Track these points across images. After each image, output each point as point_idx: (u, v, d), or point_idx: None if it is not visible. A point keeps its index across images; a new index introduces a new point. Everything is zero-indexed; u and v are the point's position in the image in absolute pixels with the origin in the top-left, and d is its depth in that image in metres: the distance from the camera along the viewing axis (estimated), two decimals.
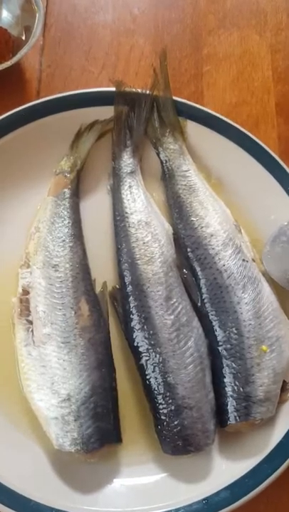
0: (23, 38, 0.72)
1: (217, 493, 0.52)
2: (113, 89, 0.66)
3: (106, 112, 0.66)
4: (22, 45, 0.70)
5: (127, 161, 0.66)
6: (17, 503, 0.51)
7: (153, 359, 0.55)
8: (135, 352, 0.57)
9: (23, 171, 0.65)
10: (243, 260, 0.60)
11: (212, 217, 0.63)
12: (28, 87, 0.74)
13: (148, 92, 0.67)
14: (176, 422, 0.53)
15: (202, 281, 0.60)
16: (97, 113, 0.66)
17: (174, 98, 0.67)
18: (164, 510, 0.52)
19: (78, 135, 0.66)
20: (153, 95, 0.67)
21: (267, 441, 0.55)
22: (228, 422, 0.54)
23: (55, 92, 0.67)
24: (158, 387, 0.54)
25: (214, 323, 0.58)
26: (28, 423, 0.56)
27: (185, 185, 0.65)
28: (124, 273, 0.60)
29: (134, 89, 0.66)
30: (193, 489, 0.53)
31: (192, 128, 0.67)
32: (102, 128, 0.66)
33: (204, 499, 0.52)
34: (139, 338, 0.56)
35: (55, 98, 0.65)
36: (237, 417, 0.54)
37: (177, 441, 0.53)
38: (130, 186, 0.65)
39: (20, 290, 0.59)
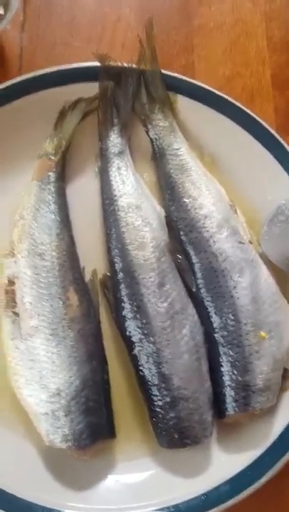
0: (1, 12, 0.68)
1: (216, 488, 0.51)
2: (97, 63, 0.62)
3: (91, 89, 0.62)
4: (0, 21, 0.66)
5: (115, 140, 0.62)
6: (6, 502, 0.50)
7: (146, 349, 0.53)
8: (128, 342, 0.54)
9: (4, 154, 0.61)
10: (240, 242, 0.57)
11: (206, 197, 0.59)
12: (9, 65, 0.70)
13: (134, 65, 0.63)
14: (171, 414, 0.51)
15: (196, 266, 0.57)
16: (82, 90, 0.62)
17: (163, 71, 0.63)
18: (162, 506, 0.50)
19: (62, 114, 0.62)
20: (140, 69, 0.63)
21: (267, 432, 0.53)
22: (227, 413, 0.52)
23: (39, 69, 0.63)
24: (152, 378, 0.52)
25: (210, 309, 0.55)
26: (18, 418, 0.53)
27: (177, 164, 0.61)
28: (115, 259, 0.57)
29: (119, 64, 0.62)
30: (191, 484, 0.51)
31: (183, 103, 0.63)
32: (86, 106, 0.62)
33: (203, 494, 0.50)
34: (132, 327, 0.54)
35: (35, 75, 0.61)
36: (236, 408, 0.52)
37: (173, 434, 0.51)
38: (119, 168, 0.61)
39: (5, 280, 0.56)
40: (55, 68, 0.62)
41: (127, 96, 0.62)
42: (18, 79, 0.62)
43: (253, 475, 0.51)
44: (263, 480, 0.50)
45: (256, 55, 0.73)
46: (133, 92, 0.63)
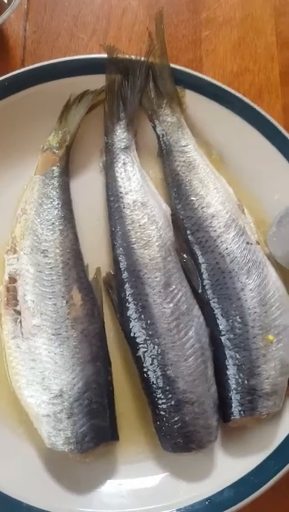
0: (5, 1, 0.66)
1: (220, 493, 0.50)
2: (104, 55, 0.60)
3: (97, 81, 0.60)
4: (4, 10, 0.64)
5: (121, 135, 0.60)
6: (7, 507, 0.48)
7: (151, 351, 0.51)
8: (132, 343, 0.53)
9: (7, 147, 0.60)
10: (247, 243, 0.56)
11: (213, 196, 0.58)
12: (12, 55, 0.68)
13: (143, 58, 0.61)
14: (176, 418, 0.50)
15: (203, 266, 0.56)
16: (88, 82, 0.60)
17: (172, 65, 0.61)
18: (165, 511, 0.49)
19: (67, 107, 0.60)
20: (148, 62, 0.61)
21: (273, 437, 0.52)
22: (232, 417, 0.51)
23: (42, 60, 0.61)
24: (157, 380, 0.51)
25: (216, 311, 0.54)
26: (18, 419, 0.52)
27: (184, 161, 0.60)
28: (120, 258, 0.56)
29: (127, 56, 0.60)
30: (195, 488, 0.50)
31: (191, 98, 0.61)
32: (93, 99, 0.61)
33: (207, 499, 0.49)
34: (136, 328, 0.52)
35: (41, 66, 0.60)
36: (241, 412, 0.51)
37: (178, 438, 0.50)
38: (124, 163, 0.60)
39: (6, 278, 0.55)
40: (61, 59, 0.60)
41: (135, 89, 0.61)
42: (22, 69, 0.60)
43: (257, 480, 0.50)
44: (268, 485, 0.49)
45: (265, 51, 0.72)
46: (141, 86, 0.61)
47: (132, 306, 0.53)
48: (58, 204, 0.57)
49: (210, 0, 0.73)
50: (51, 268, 0.54)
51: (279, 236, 0.57)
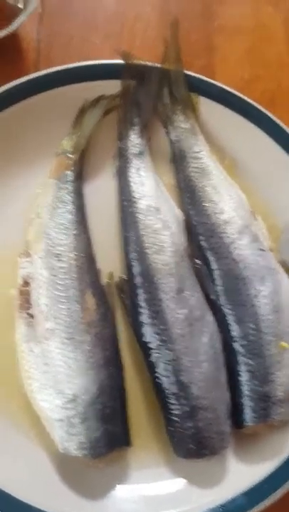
0: (20, 5, 0.66)
1: (233, 499, 0.50)
2: (120, 61, 0.61)
3: (112, 87, 0.60)
4: (19, 14, 0.64)
5: (135, 141, 0.61)
6: (16, 509, 0.48)
7: (164, 356, 0.51)
8: (145, 348, 0.53)
9: (22, 151, 0.60)
10: (260, 249, 0.56)
11: (226, 202, 0.58)
12: (26, 58, 0.68)
13: (158, 64, 0.61)
14: (189, 424, 0.50)
15: (216, 273, 0.56)
16: (103, 87, 0.60)
17: (186, 72, 0.62)
18: None
19: (82, 112, 0.60)
20: (163, 68, 0.61)
21: (286, 444, 0.52)
22: (245, 424, 0.51)
23: (55, 64, 0.61)
24: (170, 386, 0.51)
25: (229, 317, 0.54)
26: (30, 423, 0.52)
27: (197, 167, 0.60)
28: (132, 263, 0.56)
29: (142, 62, 0.61)
30: (207, 495, 0.50)
31: (205, 105, 0.62)
32: (107, 104, 0.61)
33: (220, 506, 0.49)
34: (149, 333, 0.52)
35: (56, 71, 0.59)
36: (255, 418, 0.51)
37: (191, 444, 0.50)
38: (138, 169, 0.60)
39: (20, 281, 0.54)
40: (77, 64, 0.60)
41: (149, 95, 0.61)
42: (38, 74, 0.60)
43: (270, 487, 0.50)
44: (281, 492, 0.49)
45: (276, 59, 0.73)
46: (155, 92, 0.61)
47: (145, 311, 0.53)
48: (72, 208, 0.57)
49: (222, 8, 0.74)
50: (65, 272, 0.54)
51: None
